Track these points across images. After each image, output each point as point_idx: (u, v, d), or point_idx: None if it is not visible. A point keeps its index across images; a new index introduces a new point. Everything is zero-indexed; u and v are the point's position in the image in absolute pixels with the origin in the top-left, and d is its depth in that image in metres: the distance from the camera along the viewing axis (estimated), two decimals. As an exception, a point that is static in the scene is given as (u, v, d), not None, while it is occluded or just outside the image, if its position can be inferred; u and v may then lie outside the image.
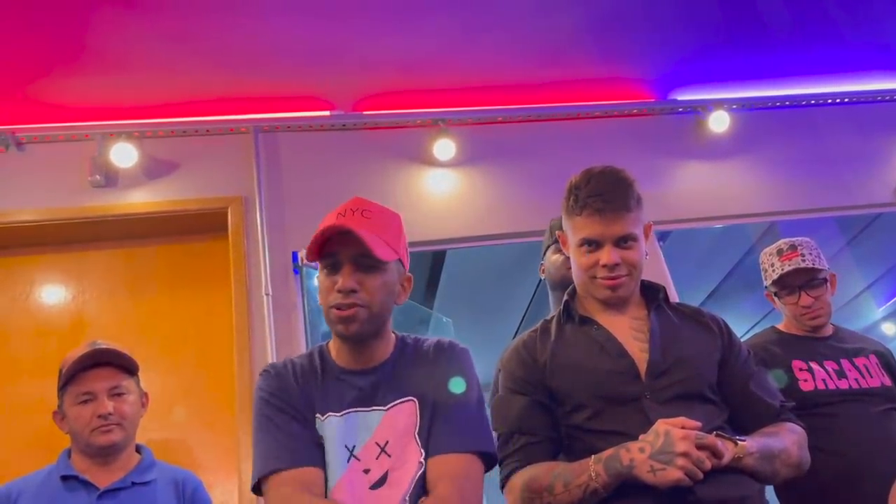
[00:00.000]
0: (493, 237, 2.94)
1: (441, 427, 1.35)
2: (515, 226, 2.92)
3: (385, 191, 2.94)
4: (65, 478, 1.74)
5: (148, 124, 2.88)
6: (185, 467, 1.96)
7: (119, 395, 1.81)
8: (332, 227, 1.35)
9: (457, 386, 1.41)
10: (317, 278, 1.44)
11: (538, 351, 1.53)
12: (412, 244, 2.80)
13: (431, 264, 4.11)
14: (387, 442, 1.33)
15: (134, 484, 1.77)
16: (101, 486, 1.73)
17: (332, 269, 1.37)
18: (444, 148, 3.01)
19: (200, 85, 2.84)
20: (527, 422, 1.46)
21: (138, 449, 1.88)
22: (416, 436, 1.34)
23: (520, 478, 1.40)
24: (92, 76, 2.68)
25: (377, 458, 1.31)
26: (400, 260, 1.44)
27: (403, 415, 1.36)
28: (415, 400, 1.38)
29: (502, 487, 1.46)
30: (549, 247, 2.18)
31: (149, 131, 2.86)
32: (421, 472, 1.31)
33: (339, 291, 1.33)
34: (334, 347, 1.46)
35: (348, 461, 1.31)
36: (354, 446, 1.32)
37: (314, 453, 1.32)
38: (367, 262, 1.35)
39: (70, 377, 1.78)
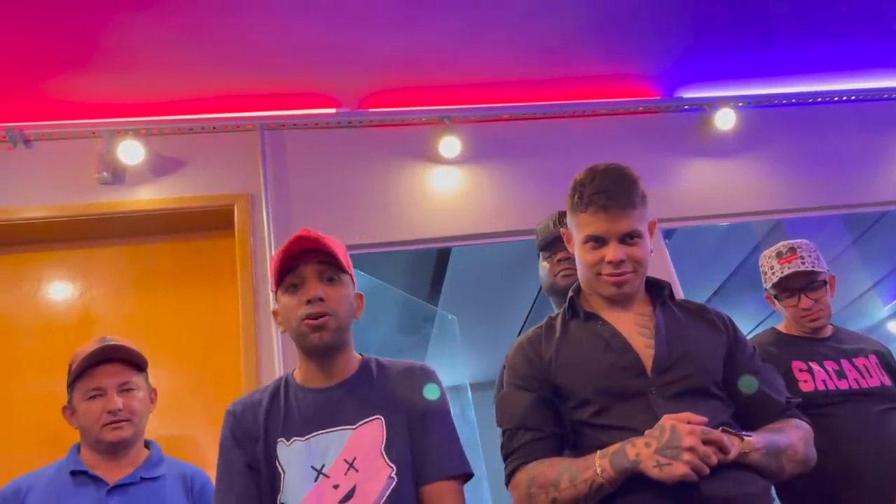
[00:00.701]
0: (499, 235, 2.94)
1: (431, 452, 1.45)
2: (521, 223, 2.91)
3: (390, 188, 2.95)
4: (74, 473, 1.75)
5: (155, 122, 2.89)
6: (193, 463, 1.96)
7: (128, 390, 1.82)
8: (299, 245, 1.45)
9: (431, 392, 1.52)
10: (275, 313, 1.54)
11: (543, 347, 1.53)
12: (418, 241, 2.86)
13: (436, 262, 4.12)
14: (354, 458, 1.40)
15: (143, 479, 1.78)
16: (110, 482, 1.74)
17: (295, 288, 1.47)
18: (450, 145, 3.01)
19: (207, 82, 2.85)
20: (532, 418, 1.46)
21: (147, 444, 1.89)
22: (383, 452, 1.41)
23: (525, 473, 1.40)
24: (99, 74, 2.69)
25: (345, 474, 1.38)
26: (351, 278, 1.55)
27: (370, 432, 1.43)
28: (381, 418, 1.45)
29: (507, 483, 1.46)
30: (538, 254, 2.18)
31: (155, 129, 2.87)
32: (393, 485, 1.38)
33: (309, 301, 1.43)
34: (299, 371, 1.55)
35: (316, 480, 1.38)
36: (323, 465, 1.39)
37: None
38: (329, 275, 1.48)
39: (80, 373, 1.79)
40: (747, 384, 1.49)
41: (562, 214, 2.11)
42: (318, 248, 1.46)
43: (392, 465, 1.40)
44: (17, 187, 2.71)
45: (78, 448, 1.83)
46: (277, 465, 1.41)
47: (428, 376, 1.55)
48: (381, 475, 1.39)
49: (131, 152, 2.77)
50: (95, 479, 1.74)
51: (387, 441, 1.42)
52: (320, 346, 1.45)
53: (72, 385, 1.82)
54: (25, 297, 2.67)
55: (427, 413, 1.49)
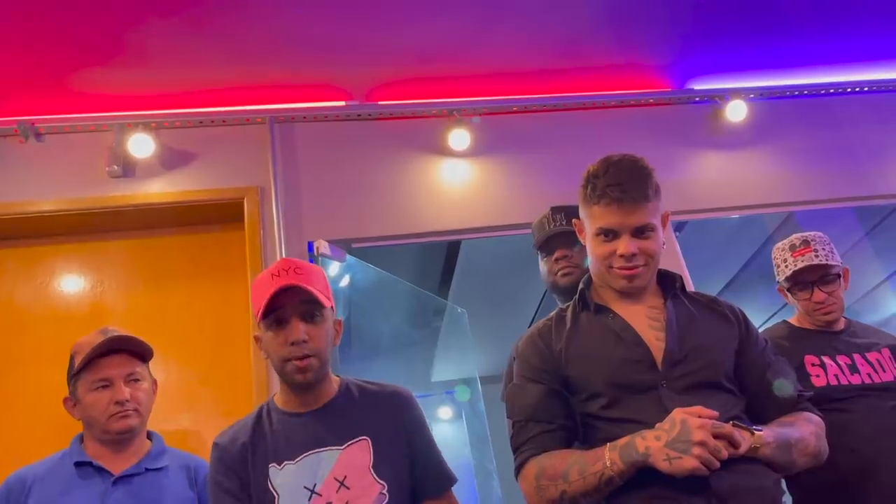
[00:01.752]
0: (508, 227, 2.93)
1: (428, 471, 1.59)
2: (530, 216, 2.85)
3: (400, 180, 2.94)
4: (79, 464, 1.75)
5: (165, 115, 2.89)
6: (201, 456, 1.96)
7: (134, 381, 1.82)
8: (282, 286, 1.49)
9: (414, 414, 1.65)
10: (257, 338, 1.58)
11: (553, 339, 1.53)
12: (428, 234, 2.85)
13: (446, 255, 4.12)
14: (345, 476, 1.48)
15: (147, 470, 1.77)
16: (115, 473, 1.74)
17: (279, 324, 1.51)
18: (460, 138, 3.01)
19: (216, 76, 2.85)
20: (542, 410, 1.45)
21: (149, 436, 1.89)
22: (372, 470, 1.50)
23: (535, 465, 1.40)
24: (109, 68, 2.70)
25: (337, 492, 1.46)
26: (332, 309, 1.61)
27: (358, 452, 1.52)
28: (367, 439, 1.54)
29: (517, 475, 1.46)
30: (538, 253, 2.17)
31: (166, 122, 2.87)
32: (384, 502, 1.47)
33: (293, 343, 1.49)
34: (280, 398, 1.61)
35: (309, 499, 1.45)
36: (315, 484, 1.47)
37: None
38: (310, 313, 1.53)
39: (85, 364, 1.79)
40: (781, 387, 1.48)
41: (554, 210, 2.10)
42: (301, 287, 1.51)
43: (382, 483, 1.49)
44: (29, 181, 2.72)
45: (80, 439, 1.82)
46: (270, 488, 1.48)
47: (408, 400, 1.65)
48: (371, 492, 1.47)
49: (141, 146, 2.77)
50: (100, 471, 1.74)
51: (374, 460, 1.51)
52: (304, 385, 1.53)
53: (75, 376, 1.81)
54: (37, 290, 2.68)
55: (413, 435, 1.60)
